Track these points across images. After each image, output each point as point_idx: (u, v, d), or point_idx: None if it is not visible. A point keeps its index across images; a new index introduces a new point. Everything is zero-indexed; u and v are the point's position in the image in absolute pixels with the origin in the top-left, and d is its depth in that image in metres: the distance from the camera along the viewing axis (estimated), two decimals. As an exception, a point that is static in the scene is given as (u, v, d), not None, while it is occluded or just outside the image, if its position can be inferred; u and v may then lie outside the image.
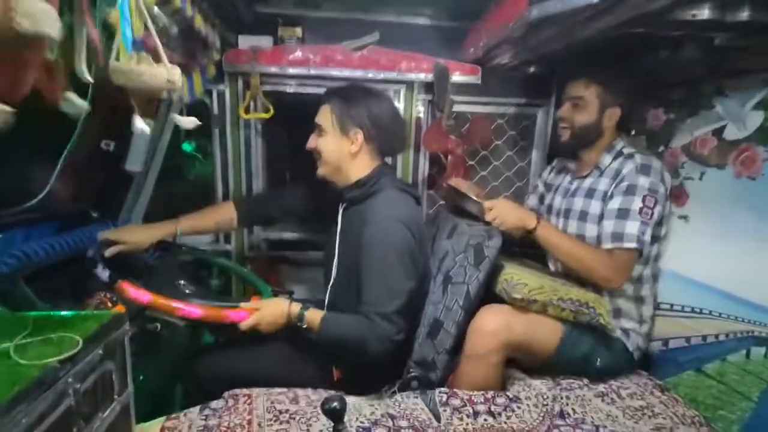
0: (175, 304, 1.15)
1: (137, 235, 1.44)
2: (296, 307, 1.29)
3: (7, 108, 0.63)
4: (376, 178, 1.38)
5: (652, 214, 1.34)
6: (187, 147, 2.70)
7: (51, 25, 0.59)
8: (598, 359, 1.37)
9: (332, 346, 1.31)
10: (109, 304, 1.29)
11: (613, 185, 1.40)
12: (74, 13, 0.73)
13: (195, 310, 1.15)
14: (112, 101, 1.32)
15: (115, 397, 0.92)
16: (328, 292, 1.47)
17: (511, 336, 1.29)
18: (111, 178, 1.62)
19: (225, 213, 1.59)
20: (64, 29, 0.67)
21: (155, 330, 1.26)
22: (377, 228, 1.29)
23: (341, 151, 1.37)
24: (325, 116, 1.38)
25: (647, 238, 1.34)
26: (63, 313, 0.94)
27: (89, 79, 0.75)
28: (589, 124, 1.45)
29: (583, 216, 1.46)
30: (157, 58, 0.82)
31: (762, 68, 1.21)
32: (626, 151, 1.44)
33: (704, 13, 0.97)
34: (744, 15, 0.97)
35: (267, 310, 1.27)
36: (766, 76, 1.20)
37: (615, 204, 1.37)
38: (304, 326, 1.29)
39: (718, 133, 1.36)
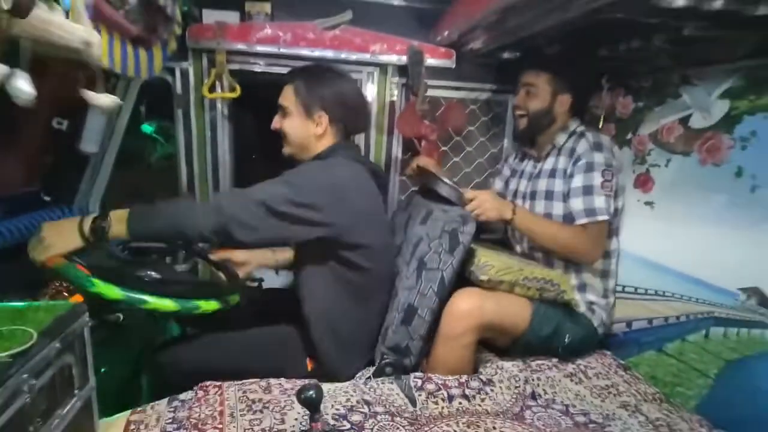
0: None
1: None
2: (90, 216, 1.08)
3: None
4: (331, 149, 1.36)
5: (612, 186, 1.43)
6: (147, 128, 2.56)
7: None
8: (567, 335, 1.43)
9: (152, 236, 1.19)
10: (65, 294, 1.22)
11: (570, 163, 1.48)
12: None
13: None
14: (60, 74, 1.23)
15: (76, 391, 0.87)
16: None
17: (483, 317, 1.32)
18: (64, 159, 1.51)
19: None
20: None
21: (117, 321, 1.20)
22: (293, 173, 1.25)
23: (306, 133, 1.35)
24: (288, 97, 1.35)
25: (612, 209, 1.44)
26: (14, 304, 0.88)
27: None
28: (541, 109, 1.54)
29: (549, 195, 1.54)
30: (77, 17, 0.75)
31: (728, 59, 1.25)
32: (578, 129, 1.54)
33: (680, 1, 0.99)
34: (718, 3, 0.99)
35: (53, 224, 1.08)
36: (731, 67, 1.24)
37: (578, 182, 1.45)
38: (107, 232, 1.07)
39: (684, 121, 1.40)
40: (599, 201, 1.42)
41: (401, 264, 1.46)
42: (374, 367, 1.34)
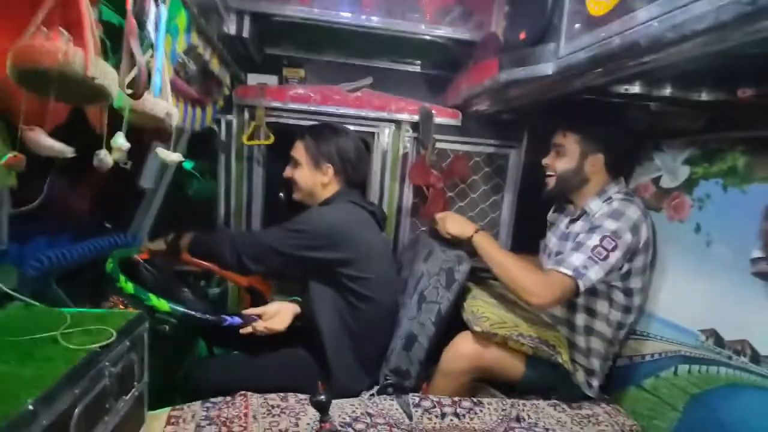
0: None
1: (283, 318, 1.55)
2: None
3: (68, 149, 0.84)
4: (334, 195, 1.62)
5: (607, 256, 1.33)
6: (187, 165, 2.87)
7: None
8: (559, 390, 1.51)
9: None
10: (121, 307, 1.45)
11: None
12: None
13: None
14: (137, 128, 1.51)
15: (135, 384, 1.08)
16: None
17: (480, 362, 1.45)
18: (125, 193, 1.78)
19: None
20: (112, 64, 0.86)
21: (164, 331, 1.42)
22: (299, 220, 1.52)
23: (314, 181, 1.62)
24: (299, 151, 1.63)
25: (592, 276, 1.33)
26: (97, 310, 1.11)
27: (126, 113, 0.94)
28: (570, 170, 1.51)
29: None
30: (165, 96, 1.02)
31: (688, 131, 1.46)
32: (615, 196, 1.47)
33: (635, 88, 1.21)
34: (667, 91, 1.22)
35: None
36: (691, 138, 1.45)
37: (576, 238, 1.43)
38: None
39: (656, 181, 1.59)
40: (576, 258, 1.35)
41: (406, 298, 1.66)
42: (378, 387, 1.53)
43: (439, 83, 2.05)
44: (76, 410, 0.80)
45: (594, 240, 1.36)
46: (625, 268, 1.42)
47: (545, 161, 1.58)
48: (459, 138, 2.08)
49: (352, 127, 1.97)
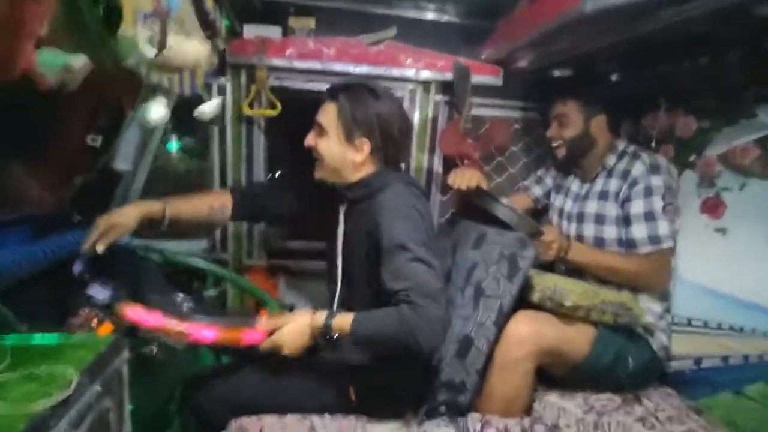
0: (187, 327, 0.98)
1: (123, 216, 1.20)
2: (320, 317, 1.10)
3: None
4: (383, 174, 1.25)
5: (673, 208, 1.38)
6: (171, 147, 2.53)
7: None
8: (630, 361, 1.34)
9: (374, 349, 1.15)
10: (95, 322, 1.12)
11: (625, 186, 1.42)
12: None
13: (209, 333, 1.00)
14: (102, 88, 1.17)
15: (111, 439, 0.76)
16: (335, 303, 1.32)
17: (543, 342, 1.27)
18: (96, 177, 1.44)
19: (220, 199, 1.40)
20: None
21: (150, 354, 1.10)
22: (397, 213, 1.15)
23: (343, 157, 1.23)
24: (328, 116, 1.23)
25: (676, 233, 1.39)
26: (48, 338, 0.78)
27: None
28: (577, 135, 1.51)
29: (600, 219, 1.47)
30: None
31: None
32: (630, 150, 1.49)
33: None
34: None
35: (289, 328, 1.10)
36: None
37: (638, 208, 1.39)
38: (335, 336, 1.10)
39: (762, 142, 1.30)
40: (663, 227, 1.35)
41: (453, 291, 1.36)
42: (426, 406, 1.23)
43: (474, 34, 1.71)
44: None
45: (658, 202, 1.36)
46: None
47: (549, 133, 1.57)
48: (498, 101, 1.77)
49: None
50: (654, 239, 1.36)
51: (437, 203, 1.84)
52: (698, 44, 1.28)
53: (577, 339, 1.31)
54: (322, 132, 1.24)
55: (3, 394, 0.60)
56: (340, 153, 1.23)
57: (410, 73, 1.66)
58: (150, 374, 1.14)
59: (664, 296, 1.46)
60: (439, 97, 1.72)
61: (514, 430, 1.14)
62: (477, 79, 1.67)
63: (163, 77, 0.99)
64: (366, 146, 1.21)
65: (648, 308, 1.42)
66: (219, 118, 1.65)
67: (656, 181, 1.38)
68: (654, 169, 1.40)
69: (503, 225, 1.38)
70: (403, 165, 1.46)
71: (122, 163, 1.45)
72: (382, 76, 1.62)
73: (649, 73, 1.56)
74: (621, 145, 1.51)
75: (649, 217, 1.37)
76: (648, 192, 1.38)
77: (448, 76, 1.66)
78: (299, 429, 1.09)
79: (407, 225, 1.12)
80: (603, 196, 1.47)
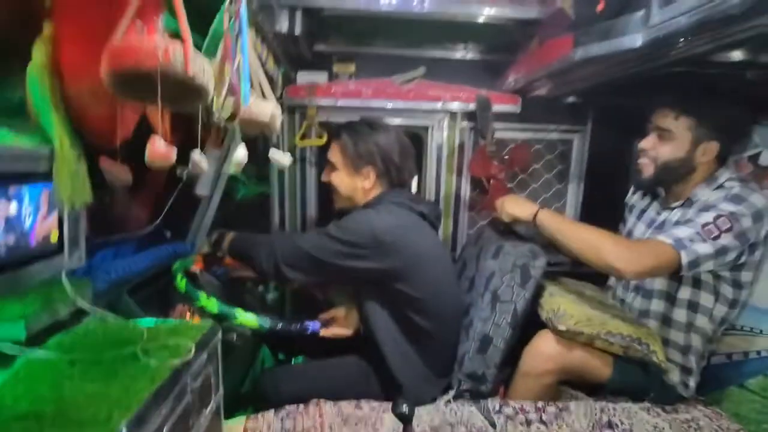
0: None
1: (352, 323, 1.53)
2: None
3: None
4: (384, 194, 1.45)
5: (718, 236, 1.17)
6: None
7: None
8: (651, 392, 1.38)
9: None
10: (188, 315, 1.44)
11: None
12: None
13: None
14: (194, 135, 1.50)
15: (213, 396, 1.04)
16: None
17: (565, 362, 1.35)
18: (182, 201, 1.77)
19: None
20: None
21: (232, 340, 1.40)
22: (347, 218, 1.38)
23: (354, 187, 1.46)
24: (336, 154, 1.47)
25: (699, 249, 1.17)
26: (169, 322, 1.08)
27: (223, 123, 0.89)
28: (676, 159, 1.32)
29: None
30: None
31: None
32: (728, 184, 1.28)
33: (737, 54, 1.07)
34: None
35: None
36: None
37: (684, 216, 1.28)
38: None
39: (754, 159, 1.42)
40: (681, 231, 1.20)
41: (475, 296, 1.56)
42: (453, 392, 1.44)
43: (495, 68, 1.94)
44: (164, 430, 0.77)
45: (706, 217, 1.20)
46: (742, 258, 1.24)
47: (643, 145, 1.37)
48: (518, 125, 1.97)
49: (405, 121, 1.91)
50: (669, 236, 1.21)
51: (466, 218, 2.06)
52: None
53: (599, 364, 1.35)
54: (333, 168, 1.48)
55: (150, 355, 0.89)
56: (350, 183, 1.47)
57: (438, 105, 1.90)
58: (228, 357, 1.44)
59: (712, 340, 1.39)
60: (465, 124, 1.95)
61: (529, 408, 1.32)
62: (498, 107, 1.88)
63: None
64: (372, 173, 1.44)
65: (695, 349, 1.37)
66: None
67: (724, 205, 1.20)
68: (734, 199, 1.21)
69: (520, 237, 1.58)
70: (411, 182, 1.61)
71: (202, 189, 1.77)
72: (413, 110, 1.88)
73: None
74: (723, 177, 1.30)
75: (683, 223, 1.24)
76: (705, 208, 1.23)
77: (472, 106, 1.88)
78: (347, 405, 1.32)
79: (340, 228, 1.34)
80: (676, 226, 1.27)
